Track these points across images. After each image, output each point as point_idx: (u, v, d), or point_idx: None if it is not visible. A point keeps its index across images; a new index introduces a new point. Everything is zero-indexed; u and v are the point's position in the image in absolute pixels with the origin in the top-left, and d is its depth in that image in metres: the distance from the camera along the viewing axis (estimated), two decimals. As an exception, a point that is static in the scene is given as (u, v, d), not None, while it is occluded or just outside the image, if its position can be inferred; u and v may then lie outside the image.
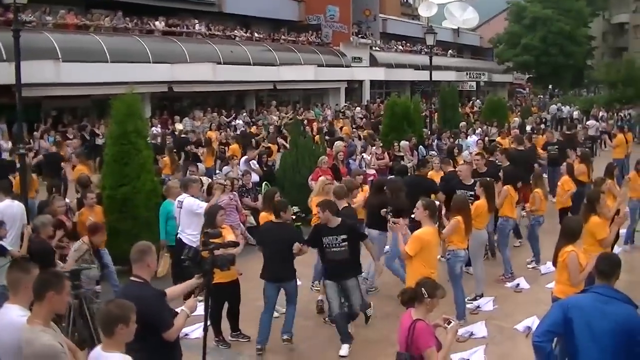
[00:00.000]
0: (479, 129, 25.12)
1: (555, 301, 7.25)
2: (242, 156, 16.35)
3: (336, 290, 8.67)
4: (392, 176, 15.20)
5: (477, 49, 68.31)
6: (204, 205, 9.96)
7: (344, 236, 8.56)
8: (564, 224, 8.04)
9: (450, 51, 58.24)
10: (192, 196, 10.30)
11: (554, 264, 7.86)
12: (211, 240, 6.41)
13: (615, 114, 39.05)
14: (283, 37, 39.29)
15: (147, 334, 5.12)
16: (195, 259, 6.26)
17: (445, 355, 5.64)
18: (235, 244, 7.03)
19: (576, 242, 7.72)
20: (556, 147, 18.25)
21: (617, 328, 5.02)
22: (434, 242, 8.31)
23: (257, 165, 15.63)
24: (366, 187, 12.53)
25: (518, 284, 11.62)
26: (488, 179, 11.40)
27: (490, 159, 14.70)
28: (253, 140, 20.58)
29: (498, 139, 21.64)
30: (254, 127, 26.16)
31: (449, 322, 5.71)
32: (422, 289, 5.80)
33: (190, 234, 9.92)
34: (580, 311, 5.18)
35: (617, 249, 12.73)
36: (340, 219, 8.71)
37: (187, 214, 10.03)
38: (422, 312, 5.76)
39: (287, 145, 18.44)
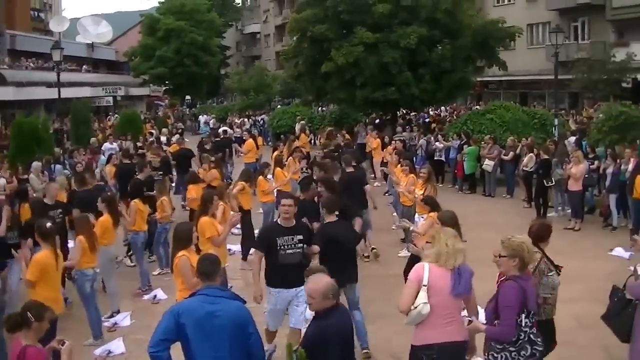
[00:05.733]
0: (114, 144, 25.44)
1: None
2: None
3: None
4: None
5: (113, 63, 67.71)
6: None
7: None
8: (175, 230, 7.91)
9: (84, 66, 57.10)
10: None
11: (172, 270, 7.82)
12: None
13: (248, 120, 41.36)
14: None
15: None
16: None
17: None
18: None
19: (189, 246, 7.67)
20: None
21: (228, 324, 5.24)
22: (54, 264, 8.19)
23: None
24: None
25: (155, 295, 11.71)
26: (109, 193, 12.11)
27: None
28: None
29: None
30: None
31: (63, 343, 5.63)
32: (28, 312, 5.69)
33: None
34: (190, 314, 5.27)
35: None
36: None
37: None
38: (31, 337, 5.63)
39: None
